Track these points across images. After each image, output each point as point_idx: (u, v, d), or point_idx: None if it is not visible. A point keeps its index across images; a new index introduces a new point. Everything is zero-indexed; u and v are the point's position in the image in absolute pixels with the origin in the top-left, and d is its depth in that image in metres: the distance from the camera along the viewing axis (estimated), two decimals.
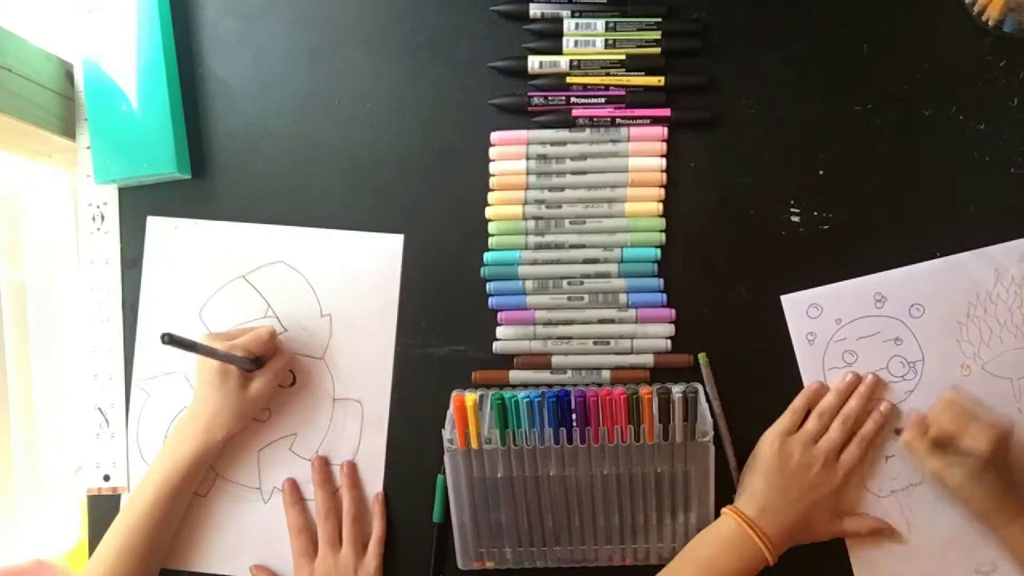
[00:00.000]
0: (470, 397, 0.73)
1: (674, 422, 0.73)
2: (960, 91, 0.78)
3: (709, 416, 0.74)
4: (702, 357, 0.78)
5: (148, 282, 0.82)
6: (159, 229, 0.82)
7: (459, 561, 0.78)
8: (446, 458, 0.75)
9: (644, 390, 0.73)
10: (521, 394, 0.74)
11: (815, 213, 0.78)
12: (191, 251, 0.82)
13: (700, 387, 0.76)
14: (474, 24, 0.80)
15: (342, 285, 0.81)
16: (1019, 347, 0.77)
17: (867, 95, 0.78)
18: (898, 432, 0.76)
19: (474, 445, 0.74)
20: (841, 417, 0.75)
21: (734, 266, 0.79)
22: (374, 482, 0.80)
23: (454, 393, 0.76)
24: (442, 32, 0.81)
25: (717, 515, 0.75)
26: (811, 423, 0.76)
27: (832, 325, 0.78)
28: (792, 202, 0.78)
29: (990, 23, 0.77)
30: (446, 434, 0.75)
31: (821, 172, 0.79)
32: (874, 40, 0.78)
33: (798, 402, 0.77)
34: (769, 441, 0.75)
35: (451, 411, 0.75)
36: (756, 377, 0.78)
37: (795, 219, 0.78)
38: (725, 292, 0.79)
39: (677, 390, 0.74)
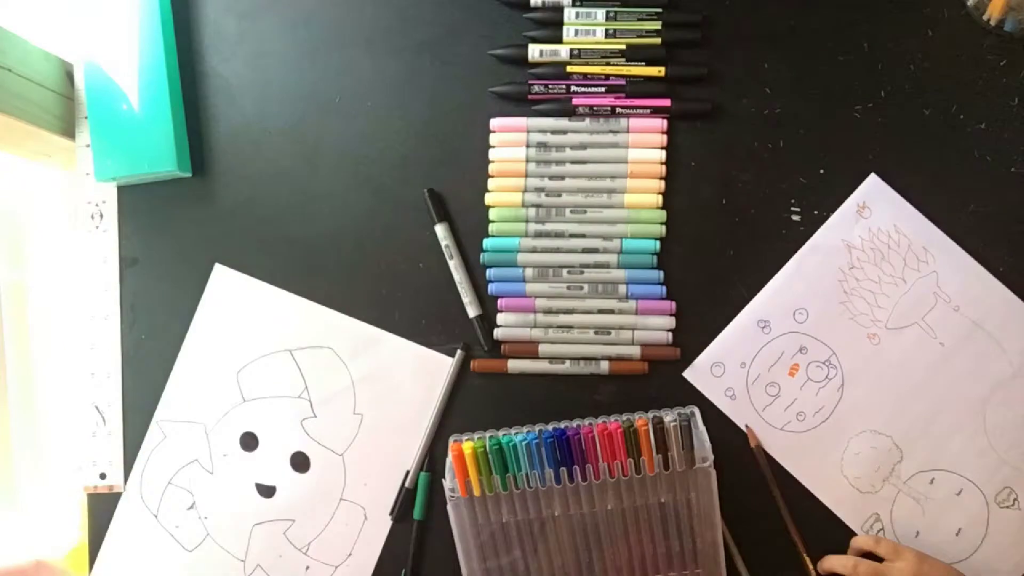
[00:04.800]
0: (468, 445, 0.72)
1: (672, 451, 0.72)
2: (960, 91, 0.78)
3: (707, 441, 0.73)
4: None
5: (198, 325, 0.81)
6: (223, 277, 0.81)
7: None
8: (449, 507, 0.74)
9: (640, 421, 0.72)
10: (518, 437, 0.73)
11: (815, 212, 0.78)
12: (247, 309, 0.81)
13: (696, 411, 0.75)
14: (475, 17, 0.80)
15: (382, 389, 0.80)
16: (905, 292, 0.77)
17: (867, 94, 0.78)
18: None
19: (476, 492, 0.73)
20: None
21: (734, 265, 0.79)
22: None
23: (451, 441, 0.75)
24: (443, 27, 0.81)
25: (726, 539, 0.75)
26: None
27: (740, 372, 0.78)
28: (792, 201, 0.78)
29: (991, 23, 0.77)
30: (447, 483, 0.74)
31: (821, 171, 0.78)
32: (874, 39, 0.78)
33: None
34: None
35: (450, 459, 0.74)
36: None
37: (795, 218, 0.78)
38: (726, 291, 0.79)
39: (670, 418, 0.73)
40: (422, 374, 0.80)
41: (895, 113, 0.78)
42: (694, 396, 0.78)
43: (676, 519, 0.74)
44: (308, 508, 0.80)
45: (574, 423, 0.75)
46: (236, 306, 0.81)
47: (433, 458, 0.80)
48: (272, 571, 0.81)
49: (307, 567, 0.80)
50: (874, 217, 0.77)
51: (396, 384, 0.80)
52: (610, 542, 0.75)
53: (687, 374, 0.78)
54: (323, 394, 0.80)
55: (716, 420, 0.78)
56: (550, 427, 0.75)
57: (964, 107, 0.78)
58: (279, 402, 0.81)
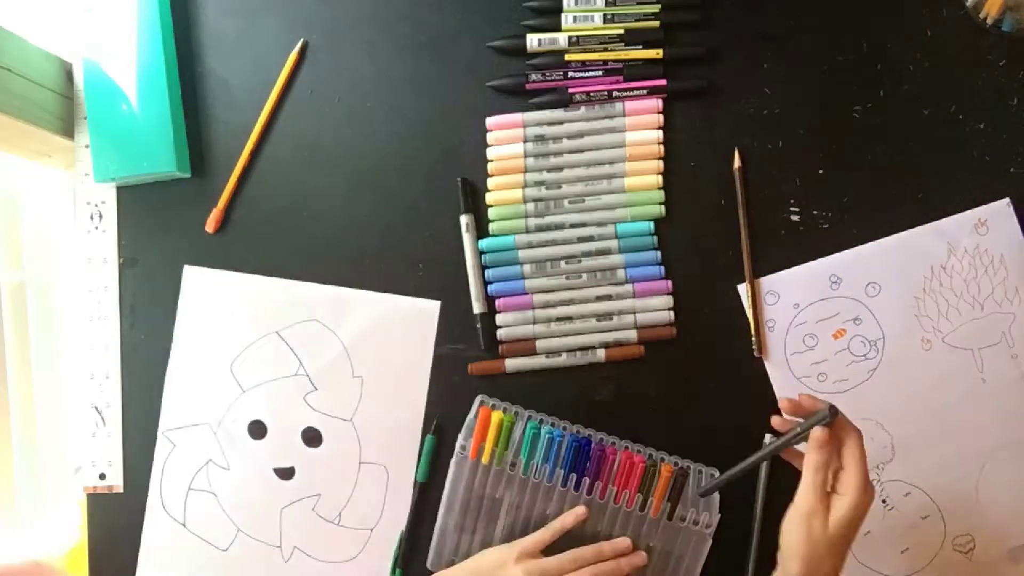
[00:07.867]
0: (497, 414, 0.73)
1: (683, 504, 0.72)
2: (960, 90, 0.78)
3: (717, 510, 0.73)
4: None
5: (181, 330, 0.81)
6: (195, 278, 0.81)
7: (429, 560, 0.78)
8: (452, 462, 0.74)
9: (665, 466, 0.73)
10: (544, 428, 0.74)
11: (815, 212, 0.78)
12: (226, 303, 0.81)
13: (716, 473, 0.74)
14: (475, 16, 0.80)
15: (375, 348, 0.80)
16: (977, 317, 0.77)
17: (867, 94, 0.78)
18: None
19: (484, 461, 0.73)
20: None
21: (734, 264, 0.79)
22: (388, 555, 0.80)
23: (479, 402, 0.75)
24: (443, 26, 0.81)
25: None
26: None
27: (790, 310, 0.78)
28: (792, 201, 0.78)
29: (989, 22, 0.77)
30: (460, 439, 0.74)
31: (821, 171, 0.78)
32: (873, 39, 0.79)
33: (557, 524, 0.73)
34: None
35: (471, 418, 0.74)
36: (753, 362, 0.78)
37: (795, 218, 0.78)
38: (725, 291, 0.79)
39: (693, 473, 0.73)
40: (410, 322, 0.80)
41: (894, 113, 0.78)
42: (691, 395, 0.78)
43: (656, 569, 0.74)
44: (330, 480, 0.80)
45: (609, 440, 0.75)
46: (213, 302, 0.81)
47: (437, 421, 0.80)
48: (310, 549, 0.81)
49: (343, 536, 0.80)
50: (988, 237, 0.77)
51: (387, 338, 0.80)
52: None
53: (741, 288, 0.78)
54: (319, 366, 0.81)
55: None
56: (576, 429, 0.75)
57: (963, 107, 0.78)
58: (278, 384, 0.81)
